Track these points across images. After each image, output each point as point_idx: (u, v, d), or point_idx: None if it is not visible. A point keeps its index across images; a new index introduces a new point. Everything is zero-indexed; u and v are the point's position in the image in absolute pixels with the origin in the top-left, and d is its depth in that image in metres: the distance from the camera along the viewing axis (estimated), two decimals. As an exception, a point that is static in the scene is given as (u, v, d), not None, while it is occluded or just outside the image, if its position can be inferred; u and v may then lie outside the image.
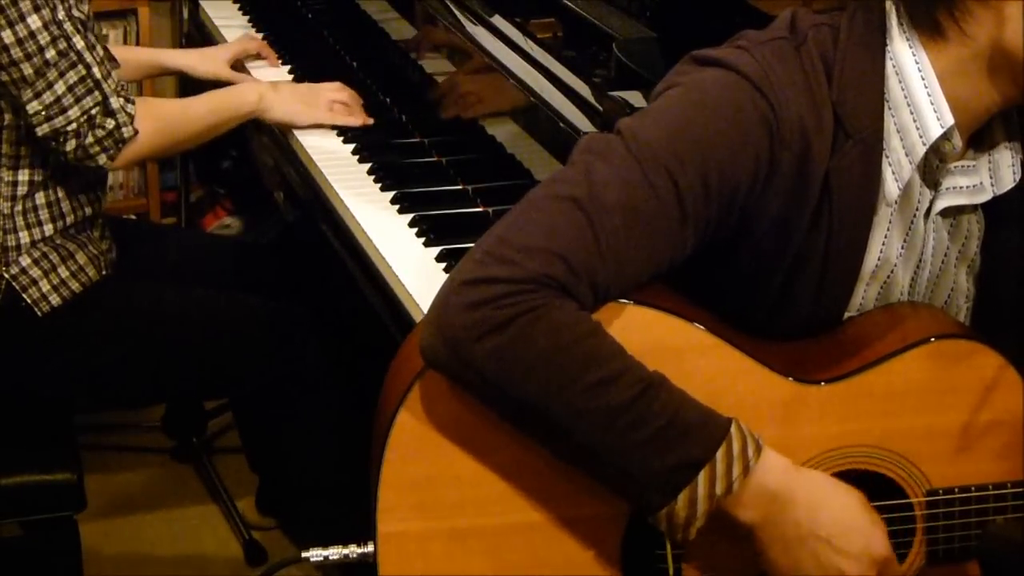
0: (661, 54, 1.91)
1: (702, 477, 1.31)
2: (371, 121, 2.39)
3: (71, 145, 2.01)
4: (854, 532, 1.36)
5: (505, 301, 1.29)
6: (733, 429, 1.33)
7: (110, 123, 2.03)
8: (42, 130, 1.99)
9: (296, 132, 2.35)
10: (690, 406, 1.33)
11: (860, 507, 1.38)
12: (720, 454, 1.31)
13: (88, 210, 2.15)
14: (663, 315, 1.39)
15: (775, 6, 1.76)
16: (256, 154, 3.17)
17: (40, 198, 2.09)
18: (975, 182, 1.46)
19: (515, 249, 1.31)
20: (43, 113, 1.98)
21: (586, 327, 1.32)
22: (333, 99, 2.38)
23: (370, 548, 1.41)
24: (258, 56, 2.71)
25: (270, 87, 2.35)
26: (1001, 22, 1.34)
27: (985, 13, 1.35)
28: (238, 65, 2.64)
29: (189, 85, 3.06)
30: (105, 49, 2.06)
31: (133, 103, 2.07)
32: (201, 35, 3.03)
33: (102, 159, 2.04)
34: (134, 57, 2.58)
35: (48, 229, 2.10)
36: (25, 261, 2.07)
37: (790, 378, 1.41)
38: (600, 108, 1.80)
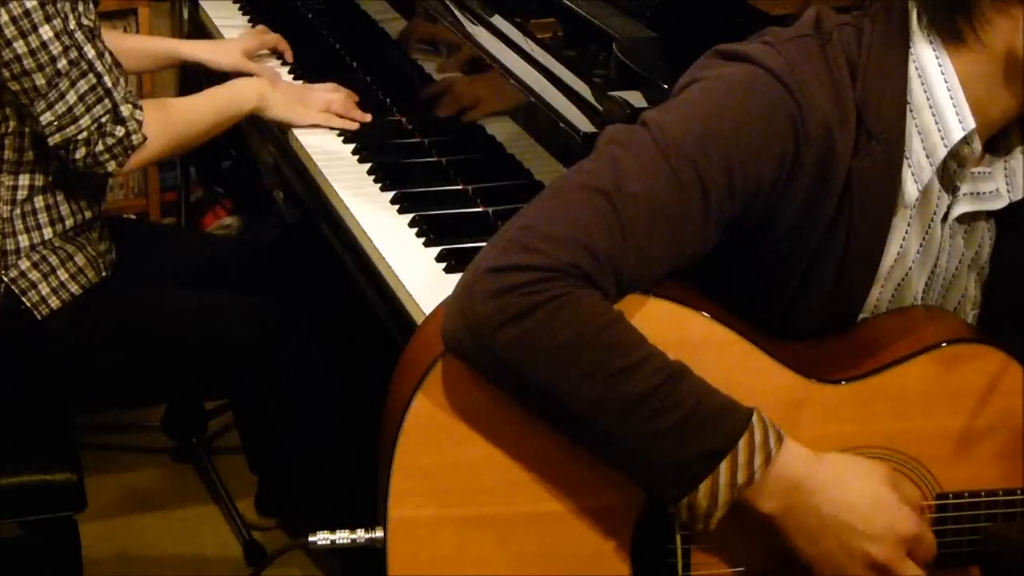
0: (661, 54, 1.91)
1: (724, 467, 1.30)
2: (368, 118, 2.39)
3: (81, 153, 2.01)
4: (877, 511, 1.34)
5: (529, 289, 1.29)
6: (755, 419, 1.32)
7: (120, 131, 2.03)
8: (53, 140, 2.00)
9: (296, 132, 2.35)
10: (712, 396, 1.32)
11: (884, 484, 1.36)
12: (742, 444, 1.30)
13: (88, 213, 2.15)
14: (682, 309, 1.39)
15: (775, 6, 1.76)
16: (256, 154, 3.17)
17: (39, 201, 2.08)
18: (991, 188, 1.46)
19: (540, 238, 1.31)
20: (55, 123, 1.98)
21: (609, 316, 1.31)
22: (327, 99, 2.37)
23: (379, 534, 1.40)
24: (274, 50, 2.71)
25: (269, 85, 2.35)
26: (1017, 30, 1.34)
27: (1004, 21, 1.35)
28: (252, 58, 2.64)
29: (189, 81, 3.07)
30: (112, 56, 2.06)
31: (142, 109, 2.07)
32: (201, 35, 3.03)
33: (111, 166, 2.05)
34: (152, 48, 2.58)
35: (47, 232, 2.09)
36: (24, 264, 2.07)
37: (806, 377, 1.40)
38: (600, 108, 1.80)
